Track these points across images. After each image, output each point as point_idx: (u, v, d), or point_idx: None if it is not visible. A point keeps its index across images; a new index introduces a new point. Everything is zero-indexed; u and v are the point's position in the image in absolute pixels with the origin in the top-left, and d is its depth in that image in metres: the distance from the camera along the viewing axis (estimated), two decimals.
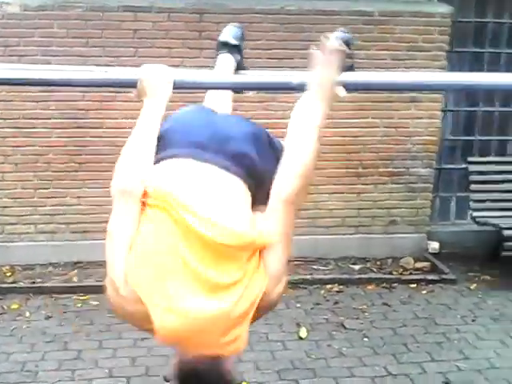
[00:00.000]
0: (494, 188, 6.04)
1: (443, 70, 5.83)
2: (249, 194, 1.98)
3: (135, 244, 1.83)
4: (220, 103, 2.57)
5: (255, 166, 2.02)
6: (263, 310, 1.84)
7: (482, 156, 6.32)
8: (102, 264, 5.65)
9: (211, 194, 1.91)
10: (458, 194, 6.40)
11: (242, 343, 1.81)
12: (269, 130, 2.23)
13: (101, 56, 5.55)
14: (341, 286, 5.42)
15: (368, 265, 5.88)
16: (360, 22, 5.75)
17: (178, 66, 5.22)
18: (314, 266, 5.84)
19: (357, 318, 4.84)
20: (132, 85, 2.22)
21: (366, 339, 4.52)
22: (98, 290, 5.12)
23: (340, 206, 6.01)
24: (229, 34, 2.65)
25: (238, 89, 2.58)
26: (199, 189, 1.91)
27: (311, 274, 5.61)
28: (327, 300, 5.18)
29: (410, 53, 5.88)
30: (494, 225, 5.67)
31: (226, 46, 2.60)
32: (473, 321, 4.82)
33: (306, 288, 5.39)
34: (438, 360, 4.22)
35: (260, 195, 1.95)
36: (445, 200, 6.45)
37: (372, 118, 5.98)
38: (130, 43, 5.58)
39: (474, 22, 6.20)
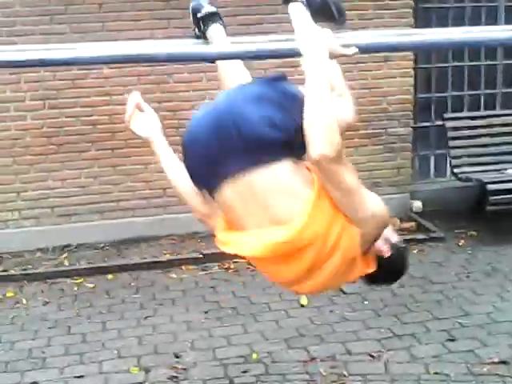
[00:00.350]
0: (472, 143, 6.12)
1: (411, 26, 5.83)
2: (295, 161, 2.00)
3: None
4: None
5: (278, 137, 1.98)
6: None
7: (455, 112, 6.37)
8: (91, 246, 5.61)
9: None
10: (437, 152, 6.47)
11: None
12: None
13: (66, 33, 5.43)
14: None
15: None
16: None
17: (147, 38, 5.15)
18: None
19: (354, 282, 4.87)
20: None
21: (366, 302, 4.58)
22: (92, 272, 5.16)
23: None
24: (202, 2, 2.54)
25: (254, 59, 2.51)
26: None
27: None
28: None
29: (377, 11, 5.87)
30: (476, 180, 5.75)
31: (212, 16, 2.49)
32: (467, 277, 4.92)
33: None
34: (440, 318, 4.30)
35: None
36: (424, 158, 6.52)
37: (347, 80, 5.97)
38: (96, 18, 5.46)
39: None
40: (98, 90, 5.57)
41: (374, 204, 2.04)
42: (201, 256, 5.36)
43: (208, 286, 4.93)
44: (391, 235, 2.19)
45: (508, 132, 6.15)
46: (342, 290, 4.75)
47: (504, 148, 6.11)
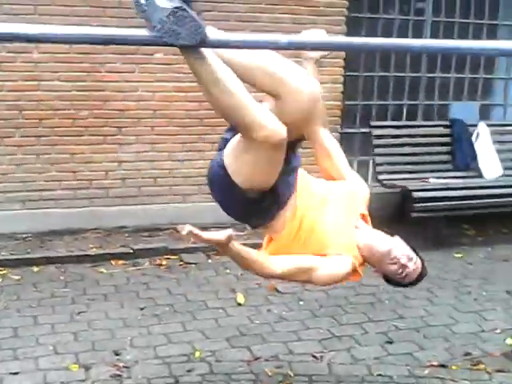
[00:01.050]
0: (396, 151, 6.31)
1: (344, 34, 5.95)
2: None
3: None
4: None
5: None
6: None
7: (379, 120, 6.55)
8: (12, 236, 5.35)
9: None
10: (359, 158, 6.62)
11: None
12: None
13: None
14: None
15: None
16: None
17: (80, 25, 4.96)
18: (233, 233, 5.82)
19: (288, 282, 4.91)
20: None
21: (301, 302, 4.61)
22: (16, 263, 4.91)
23: None
24: None
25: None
26: None
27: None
28: None
29: (311, 17, 5.93)
30: (401, 187, 5.93)
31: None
32: None
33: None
34: (376, 320, 4.39)
35: None
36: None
37: None
38: (28, 0, 5.19)
39: None
40: (26, 74, 5.30)
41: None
42: (131, 251, 5.22)
43: (140, 282, 4.80)
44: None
45: (429, 143, 6.39)
46: (276, 290, 4.77)
47: (426, 158, 6.34)
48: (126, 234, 5.62)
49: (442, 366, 3.83)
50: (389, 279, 3.04)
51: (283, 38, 2.13)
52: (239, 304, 4.54)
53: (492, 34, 6.72)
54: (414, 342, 4.11)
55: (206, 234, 2.42)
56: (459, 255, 5.69)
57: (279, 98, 2.42)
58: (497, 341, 4.16)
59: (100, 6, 5.33)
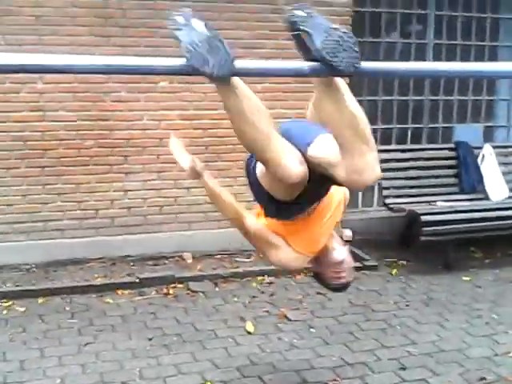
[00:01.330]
0: (402, 175, 6.28)
1: None
2: None
3: None
4: None
5: None
6: None
7: (384, 144, 6.53)
8: (16, 267, 5.30)
9: None
10: None
11: None
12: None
13: (0, 44, 5.14)
14: (271, 278, 5.42)
15: None
16: (267, 10, 5.74)
17: (84, 54, 4.96)
18: (238, 259, 5.80)
19: (297, 309, 4.85)
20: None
21: (312, 330, 4.54)
22: (21, 294, 4.84)
23: None
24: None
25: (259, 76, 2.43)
26: None
27: (238, 267, 5.57)
28: (262, 292, 5.16)
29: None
30: (410, 211, 5.89)
31: None
32: (406, 306, 4.99)
33: (237, 281, 5.34)
34: (388, 346, 4.32)
35: None
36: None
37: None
38: (32, 30, 5.20)
39: (370, 12, 6.35)
40: (32, 105, 5.30)
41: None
42: (137, 280, 5.16)
43: (148, 312, 4.74)
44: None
45: (435, 166, 6.37)
46: (286, 317, 4.71)
47: (432, 181, 6.31)
48: (132, 263, 5.57)
49: None
50: (317, 276, 3.27)
51: (305, 65, 2.11)
52: (249, 332, 4.47)
53: (493, 56, 6.74)
54: (427, 368, 4.04)
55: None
56: (467, 278, 5.63)
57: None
58: (511, 365, 4.09)
59: (104, 36, 5.34)
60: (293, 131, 2.44)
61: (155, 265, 5.58)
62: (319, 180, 2.41)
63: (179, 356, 4.10)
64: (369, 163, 2.22)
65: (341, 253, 3.11)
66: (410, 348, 4.30)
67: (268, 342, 4.35)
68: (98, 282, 5.13)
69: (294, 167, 2.29)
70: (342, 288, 3.27)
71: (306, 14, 2.08)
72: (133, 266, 5.53)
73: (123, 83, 5.38)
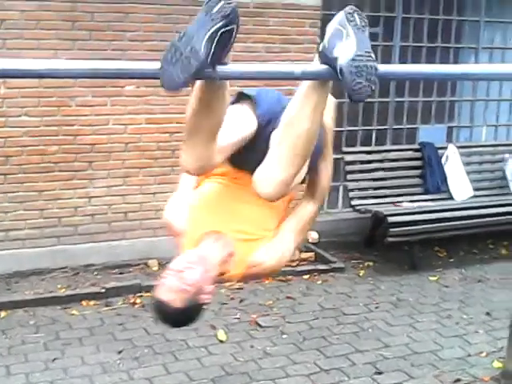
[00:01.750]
0: (368, 176, 6.28)
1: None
2: None
3: None
4: None
5: None
6: None
7: (349, 146, 6.51)
8: None
9: None
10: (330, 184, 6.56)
11: None
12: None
13: None
14: (240, 283, 5.34)
15: None
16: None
17: (49, 58, 4.82)
18: None
19: (268, 315, 4.80)
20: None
21: (284, 336, 4.50)
22: None
23: None
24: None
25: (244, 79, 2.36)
26: None
27: None
28: (232, 298, 5.08)
29: (284, 45, 5.92)
30: (376, 212, 5.89)
31: None
32: (376, 308, 4.98)
33: None
34: (362, 350, 4.30)
35: None
36: None
37: None
38: None
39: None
40: None
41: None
42: (102, 290, 5.03)
43: (116, 323, 4.62)
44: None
45: (400, 167, 6.38)
46: (258, 323, 4.65)
47: (397, 182, 6.32)
48: (95, 273, 5.43)
49: None
50: None
51: (297, 68, 2.02)
52: (221, 341, 4.40)
53: (457, 57, 6.81)
54: (402, 371, 4.04)
55: None
56: (434, 278, 5.65)
57: None
58: (484, 365, 4.12)
59: (71, 39, 5.19)
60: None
61: (120, 273, 5.45)
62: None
63: (151, 369, 4.01)
64: (271, 179, 2.05)
65: (176, 261, 2.13)
66: (383, 351, 4.29)
67: (241, 350, 4.28)
68: (63, 293, 4.99)
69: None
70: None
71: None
72: (97, 275, 5.39)
73: (89, 87, 5.24)
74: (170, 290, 2.05)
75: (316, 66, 2.02)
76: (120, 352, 4.20)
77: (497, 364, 4.09)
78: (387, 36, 6.54)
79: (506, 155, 6.72)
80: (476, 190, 6.48)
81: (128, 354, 4.18)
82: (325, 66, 1.93)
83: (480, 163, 6.81)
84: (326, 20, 6.03)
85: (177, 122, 5.55)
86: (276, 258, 2.24)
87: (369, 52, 1.85)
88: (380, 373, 4.02)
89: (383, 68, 1.94)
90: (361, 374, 4.01)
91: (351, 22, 1.93)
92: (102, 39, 5.29)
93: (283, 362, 4.13)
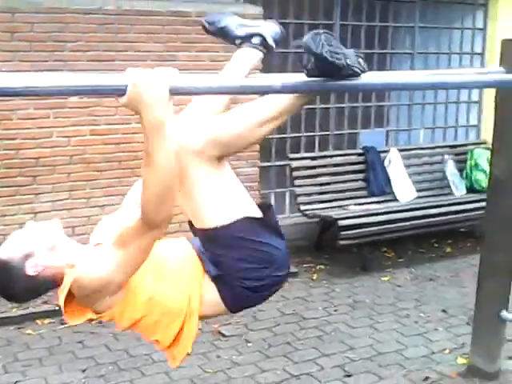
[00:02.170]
0: (314, 182, 6.34)
1: (259, 70, 5.95)
2: None
3: None
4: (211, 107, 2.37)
5: None
6: None
7: (293, 152, 6.55)
8: None
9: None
10: (276, 190, 6.61)
11: None
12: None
13: None
14: None
15: None
16: (178, 22, 5.64)
17: None
18: None
19: (229, 324, 4.75)
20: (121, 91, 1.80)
21: (249, 344, 4.46)
22: None
23: (175, 211, 5.82)
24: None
25: (235, 93, 2.34)
26: None
27: None
28: None
29: (227, 54, 5.88)
30: (326, 216, 5.95)
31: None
32: (335, 311, 5.02)
33: None
34: (328, 354, 4.31)
35: None
36: (265, 197, 6.60)
37: None
38: None
39: (279, 23, 6.38)
40: None
41: None
42: (56, 308, 4.84)
43: (74, 341, 4.47)
44: None
45: (345, 171, 6.48)
46: (221, 333, 4.60)
47: (343, 186, 6.41)
48: None
49: None
50: None
51: (277, 82, 2.02)
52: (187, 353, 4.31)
53: (391, 63, 6.98)
54: (371, 373, 4.07)
55: None
56: (386, 278, 5.75)
57: None
58: (449, 361, 4.20)
59: (11, 50, 5.01)
60: None
61: None
62: None
63: None
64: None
65: None
66: (349, 354, 4.32)
67: (208, 361, 4.22)
68: (15, 312, 4.79)
69: None
70: None
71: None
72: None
73: (31, 100, 5.06)
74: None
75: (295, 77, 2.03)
76: (84, 371, 4.06)
77: (461, 360, 4.18)
78: (328, 15, 6.64)
79: (446, 156, 6.93)
80: (418, 191, 6.65)
81: (92, 372, 4.05)
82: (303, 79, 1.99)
83: (419, 165, 6.98)
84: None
85: (122, 133, 5.46)
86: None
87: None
88: (349, 375, 4.04)
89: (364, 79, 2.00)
90: (330, 377, 4.02)
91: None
92: (43, 50, 5.13)
93: (252, 371, 4.09)
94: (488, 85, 2.76)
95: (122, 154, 5.47)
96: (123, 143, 5.46)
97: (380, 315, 4.94)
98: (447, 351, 4.34)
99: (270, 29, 2.43)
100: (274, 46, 2.41)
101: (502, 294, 3.90)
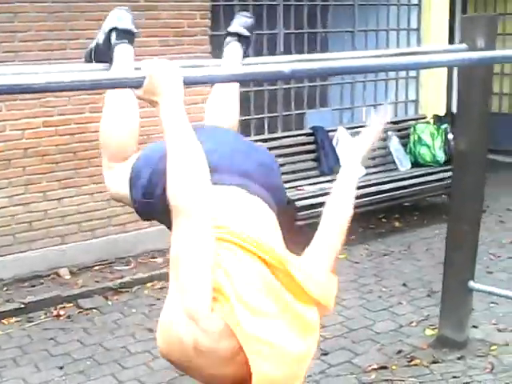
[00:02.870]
0: None
1: (208, 54, 5.95)
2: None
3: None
4: (226, 97, 2.44)
5: (283, 199, 2.26)
6: None
7: (243, 134, 6.56)
8: None
9: (267, 230, 1.94)
10: None
11: None
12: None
13: None
14: (161, 282, 5.27)
15: (168, 256, 5.76)
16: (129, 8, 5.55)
17: None
18: (117, 267, 5.56)
19: None
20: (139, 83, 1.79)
21: None
22: None
23: None
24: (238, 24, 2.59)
25: (244, 81, 2.40)
26: (257, 224, 1.89)
27: (123, 277, 5.34)
28: (158, 299, 4.98)
29: (177, 38, 5.87)
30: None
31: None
32: None
33: (128, 292, 5.13)
34: None
35: None
36: None
37: None
38: None
39: (225, 6, 6.35)
40: None
41: None
42: (22, 306, 4.76)
43: (46, 339, 4.40)
44: None
45: (296, 152, 6.56)
46: None
47: (295, 166, 6.50)
48: (5, 288, 5.13)
49: (383, 367, 3.94)
50: None
51: (286, 68, 2.06)
52: None
53: (333, 42, 7.09)
54: (346, 349, 4.19)
55: None
56: (343, 256, 5.85)
57: None
58: (418, 333, 4.37)
59: None
60: None
61: (32, 286, 5.18)
62: None
63: (101, 380, 3.88)
64: None
65: None
66: (322, 332, 4.40)
67: None
68: None
69: None
70: None
71: None
72: (7, 290, 5.09)
73: None
74: None
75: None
76: (61, 368, 4.02)
77: (429, 332, 4.35)
78: (272, 24, 6.67)
79: (390, 132, 7.10)
80: (366, 168, 6.78)
81: (70, 368, 4.01)
82: None
83: None
84: (215, 11, 6.11)
85: (76, 123, 5.37)
86: None
87: None
88: (326, 353, 4.14)
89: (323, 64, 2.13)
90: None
91: None
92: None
93: None
94: (466, 62, 2.86)
95: (77, 144, 5.38)
96: (77, 133, 5.37)
97: (344, 292, 5.05)
98: (414, 324, 4.51)
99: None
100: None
101: (469, 265, 4.08)
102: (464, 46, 3.65)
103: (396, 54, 4.01)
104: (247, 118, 6.61)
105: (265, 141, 6.46)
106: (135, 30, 2.50)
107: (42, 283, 5.24)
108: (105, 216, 5.61)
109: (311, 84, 6.96)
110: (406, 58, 2.55)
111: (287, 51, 6.46)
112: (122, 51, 2.41)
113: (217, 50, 5.85)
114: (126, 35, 2.44)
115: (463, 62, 2.80)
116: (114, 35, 2.41)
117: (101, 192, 5.55)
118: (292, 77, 2.11)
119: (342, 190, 2.07)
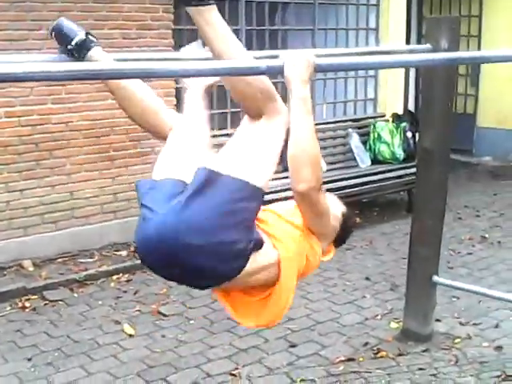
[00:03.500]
0: None
1: (171, 48, 5.96)
2: None
3: None
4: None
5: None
6: None
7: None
8: None
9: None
10: None
11: None
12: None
13: None
14: (126, 275, 5.27)
15: (132, 249, 5.76)
16: (90, 0, 5.53)
17: None
18: (81, 260, 5.52)
19: (167, 303, 4.79)
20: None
21: (192, 321, 4.53)
22: None
23: (96, 193, 5.74)
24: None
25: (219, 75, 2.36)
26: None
27: (88, 269, 5.30)
28: (125, 291, 4.99)
29: (140, 31, 5.85)
30: None
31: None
32: None
33: (93, 284, 5.10)
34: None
35: None
36: None
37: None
38: None
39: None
40: None
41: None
42: None
43: (12, 330, 4.35)
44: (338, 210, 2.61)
45: None
46: (161, 313, 4.63)
47: None
48: None
49: (351, 359, 4.02)
50: None
51: (262, 64, 2.10)
52: (130, 335, 4.32)
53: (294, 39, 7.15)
54: (313, 342, 4.26)
55: None
56: None
57: None
58: (383, 326, 4.47)
59: None
60: None
61: None
62: None
63: (71, 372, 3.86)
64: None
65: None
66: (289, 325, 4.47)
67: (154, 341, 4.25)
68: None
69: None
70: None
71: None
72: None
73: None
74: None
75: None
76: (30, 359, 3.98)
77: (394, 325, 4.45)
78: (233, 20, 6.69)
79: (350, 130, 7.22)
80: (327, 164, 6.89)
81: (38, 360, 3.98)
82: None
83: (325, 139, 7.22)
84: (178, 5, 6.09)
85: (39, 114, 5.30)
86: None
87: None
88: (294, 346, 4.21)
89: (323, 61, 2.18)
90: (277, 349, 4.17)
91: None
92: None
93: (200, 348, 4.17)
94: (437, 63, 2.96)
95: (40, 135, 5.31)
96: (39, 124, 5.30)
97: (309, 285, 5.13)
98: (379, 317, 4.61)
99: None
100: None
101: (433, 259, 4.19)
102: (428, 46, 3.76)
103: (359, 53, 4.14)
104: (211, 112, 6.60)
105: (228, 135, 6.47)
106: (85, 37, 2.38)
107: (5, 275, 5.16)
108: (68, 208, 5.56)
109: (273, 80, 6.98)
110: (376, 57, 2.61)
111: (249, 47, 6.47)
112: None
113: (179, 45, 5.95)
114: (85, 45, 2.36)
115: (433, 62, 2.87)
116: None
117: (63, 184, 5.51)
118: (268, 73, 2.14)
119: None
